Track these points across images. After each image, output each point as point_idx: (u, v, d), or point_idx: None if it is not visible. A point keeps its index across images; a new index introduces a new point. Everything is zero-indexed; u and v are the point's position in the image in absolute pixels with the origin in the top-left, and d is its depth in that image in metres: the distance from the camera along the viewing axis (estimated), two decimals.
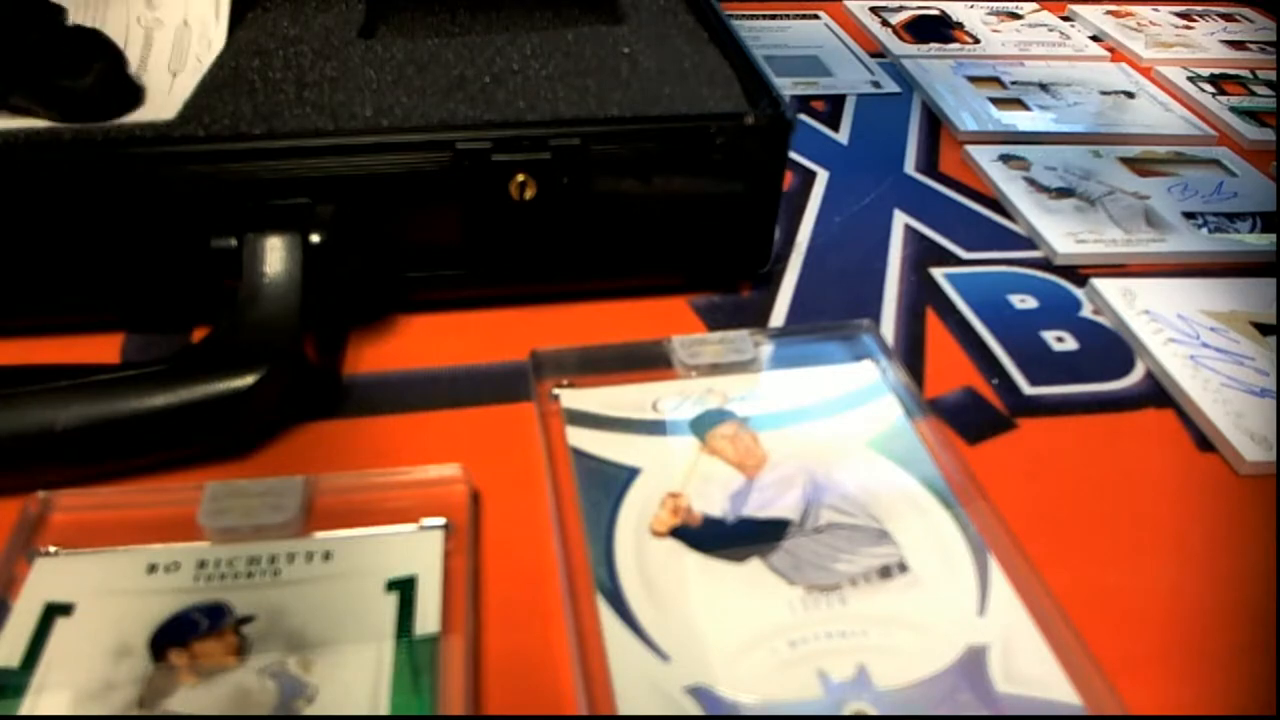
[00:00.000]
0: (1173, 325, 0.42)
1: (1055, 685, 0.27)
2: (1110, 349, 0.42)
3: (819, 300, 0.44)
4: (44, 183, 0.36)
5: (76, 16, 0.42)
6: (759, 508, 0.32)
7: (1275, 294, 0.45)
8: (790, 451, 0.35)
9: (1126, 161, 0.57)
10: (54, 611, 0.28)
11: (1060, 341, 0.42)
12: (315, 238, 0.36)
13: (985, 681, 0.27)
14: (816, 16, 0.77)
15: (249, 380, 0.33)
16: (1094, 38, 0.75)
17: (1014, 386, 0.40)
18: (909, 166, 0.56)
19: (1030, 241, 0.49)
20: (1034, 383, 0.40)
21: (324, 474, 0.32)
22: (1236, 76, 0.69)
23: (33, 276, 0.38)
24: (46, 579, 0.29)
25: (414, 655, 0.27)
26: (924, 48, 0.72)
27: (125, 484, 0.33)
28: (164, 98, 0.41)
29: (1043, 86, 0.66)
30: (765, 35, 0.73)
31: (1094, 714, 0.26)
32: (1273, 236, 0.50)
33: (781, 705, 0.26)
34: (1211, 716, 0.28)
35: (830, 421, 0.36)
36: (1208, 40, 0.76)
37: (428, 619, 0.28)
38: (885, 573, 0.30)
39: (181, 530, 0.30)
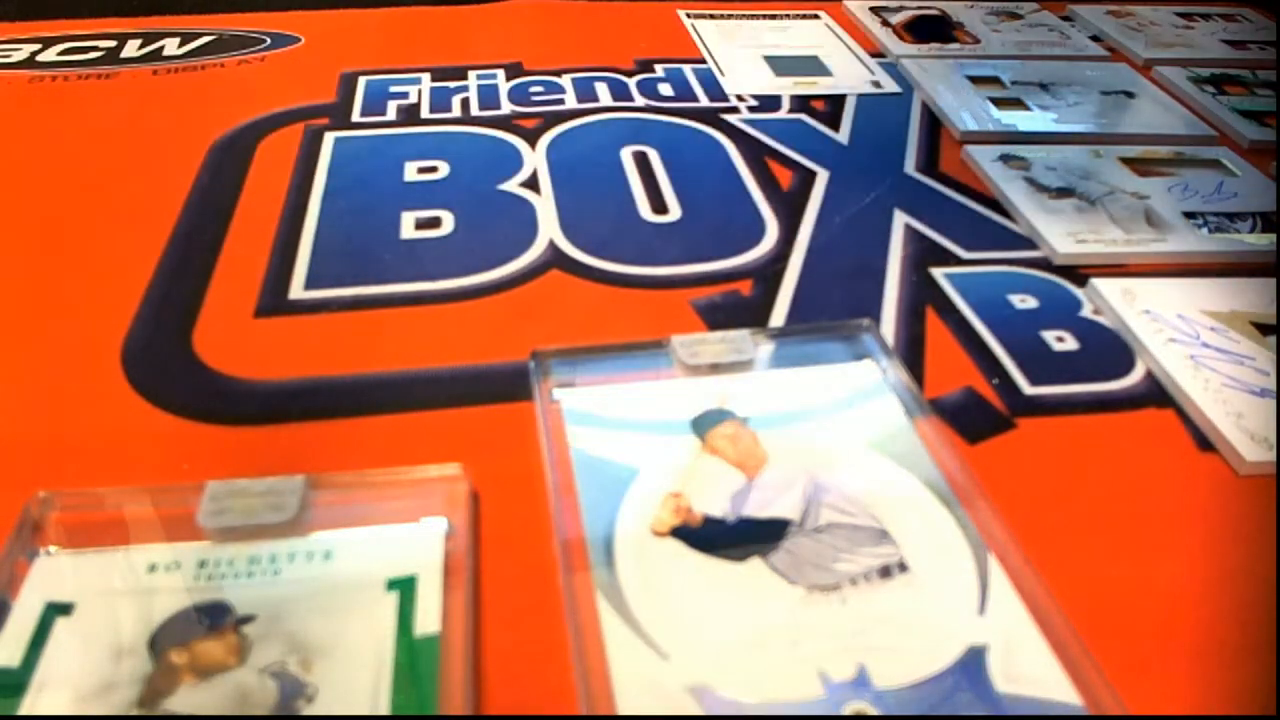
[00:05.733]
0: (1173, 325, 0.42)
1: (1055, 685, 0.27)
2: (1110, 349, 0.42)
3: (819, 300, 0.44)
4: None
5: None
6: (759, 508, 0.32)
7: (1275, 294, 0.45)
8: (790, 451, 0.35)
9: (1126, 161, 0.57)
10: (54, 611, 0.28)
11: (1060, 341, 0.42)
12: None
13: (985, 681, 0.27)
14: (816, 16, 0.77)
15: None
16: (1094, 38, 0.75)
17: (1014, 386, 0.40)
18: (909, 166, 0.56)
19: (1030, 241, 0.49)
20: (1034, 383, 0.40)
21: (324, 474, 0.32)
22: (1236, 76, 0.69)
23: None
24: (46, 579, 0.29)
25: (414, 655, 0.27)
26: (924, 48, 0.72)
27: (125, 484, 0.33)
28: None
29: (1043, 86, 0.66)
30: (765, 35, 0.73)
31: (1094, 714, 0.26)
32: (1273, 236, 0.50)
33: (781, 705, 0.26)
34: (1211, 716, 0.28)
35: (830, 421, 0.36)
36: (1208, 40, 0.76)
37: (428, 618, 0.28)
38: (885, 573, 0.30)
39: (181, 530, 0.30)
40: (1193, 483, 0.36)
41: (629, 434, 0.35)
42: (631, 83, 0.64)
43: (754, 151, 0.57)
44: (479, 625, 0.29)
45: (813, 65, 0.68)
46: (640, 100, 0.62)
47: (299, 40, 0.68)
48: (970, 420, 0.38)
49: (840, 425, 0.36)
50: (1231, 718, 0.28)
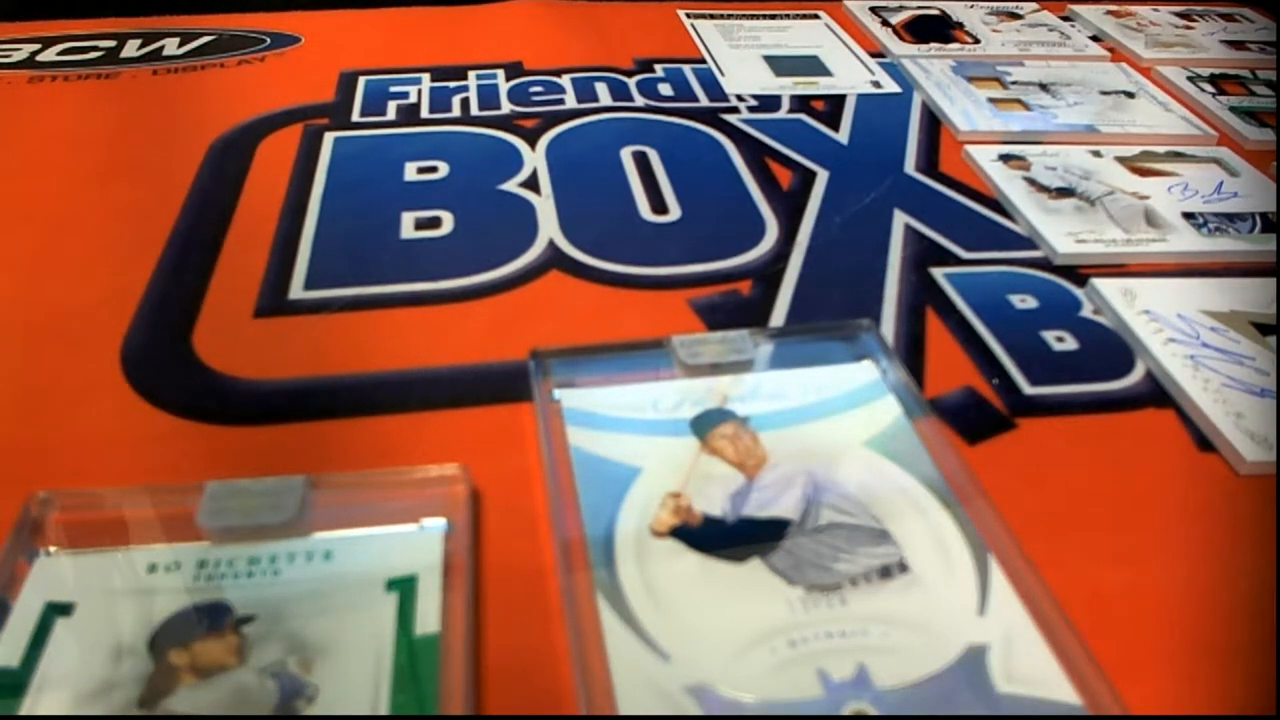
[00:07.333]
0: (1173, 325, 0.42)
1: (1055, 685, 0.27)
2: (1110, 349, 0.42)
3: (819, 300, 0.44)
4: None
5: None
6: (759, 508, 0.32)
7: (1275, 294, 0.45)
8: (790, 451, 0.35)
9: (1126, 161, 0.57)
10: (54, 611, 0.28)
11: (1060, 341, 0.42)
12: None
13: (985, 681, 0.27)
14: (816, 16, 0.77)
15: None
16: (1094, 38, 0.75)
17: (1014, 386, 0.40)
18: (909, 166, 0.56)
19: (1030, 241, 0.49)
20: (1034, 383, 0.40)
21: (324, 474, 0.32)
22: (1236, 76, 0.69)
23: None
24: (46, 579, 0.29)
25: (414, 655, 0.27)
26: (924, 48, 0.72)
27: (125, 484, 0.33)
28: None
29: (1043, 86, 0.66)
30: (765, 35, 0.73)
31: (1094, 714, 0.26)
32: (1273, 236, 0.50)
33: (781, 705, 0.26)
34: (1211, 716, 0.28)
35: (830, 421, 0.36)
36: (1208, 40, 0.76)
37: (428, 619, 0.28)
38: (885, 573, 0.30)
39: (181, 530, 0.30)
40: (1193, 483, 0.36)
41: (629, 434, 0.35)
42: (631, 83, 0.64)
43: (754, 151, 0.57)
44: (479, 625, 0.29)
45: (813, 65, 0.68)
46: (640, 100, 0.62)
47: (299, 40, 0.68)
48: (970, 420, 0.38)
49: (840, 425, 0.36)
50: (1231, 718, 0.28)
